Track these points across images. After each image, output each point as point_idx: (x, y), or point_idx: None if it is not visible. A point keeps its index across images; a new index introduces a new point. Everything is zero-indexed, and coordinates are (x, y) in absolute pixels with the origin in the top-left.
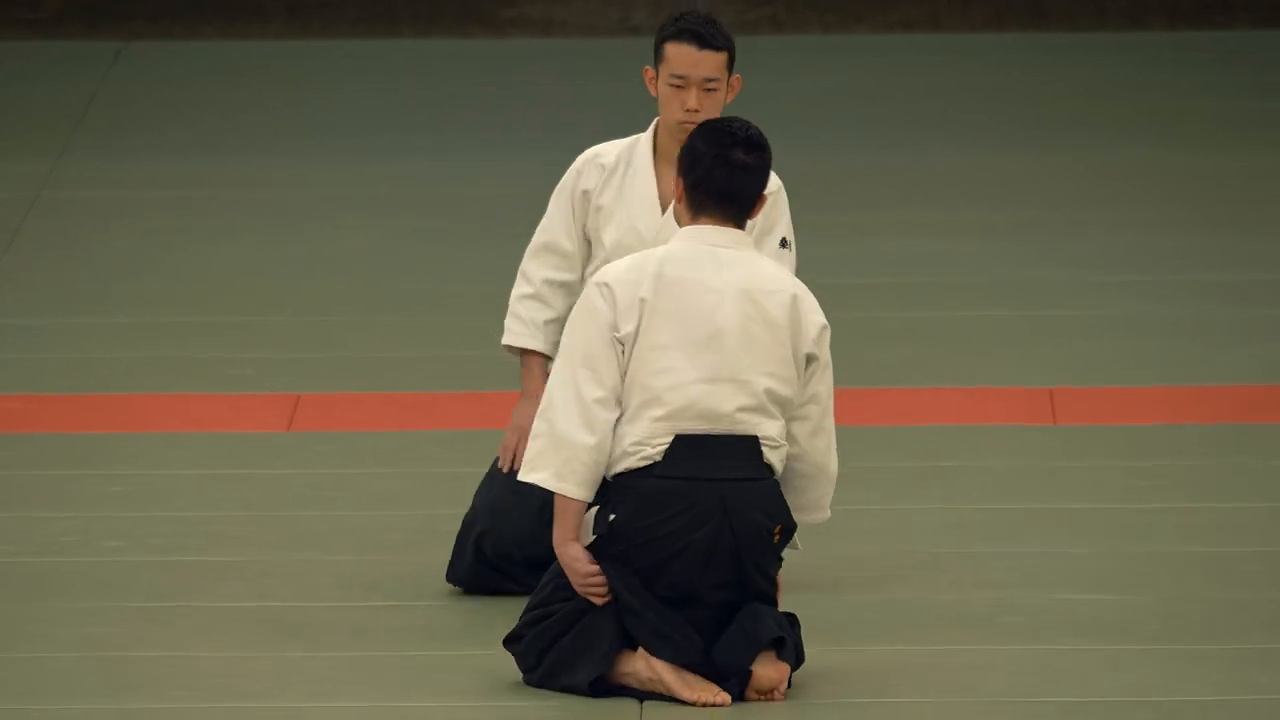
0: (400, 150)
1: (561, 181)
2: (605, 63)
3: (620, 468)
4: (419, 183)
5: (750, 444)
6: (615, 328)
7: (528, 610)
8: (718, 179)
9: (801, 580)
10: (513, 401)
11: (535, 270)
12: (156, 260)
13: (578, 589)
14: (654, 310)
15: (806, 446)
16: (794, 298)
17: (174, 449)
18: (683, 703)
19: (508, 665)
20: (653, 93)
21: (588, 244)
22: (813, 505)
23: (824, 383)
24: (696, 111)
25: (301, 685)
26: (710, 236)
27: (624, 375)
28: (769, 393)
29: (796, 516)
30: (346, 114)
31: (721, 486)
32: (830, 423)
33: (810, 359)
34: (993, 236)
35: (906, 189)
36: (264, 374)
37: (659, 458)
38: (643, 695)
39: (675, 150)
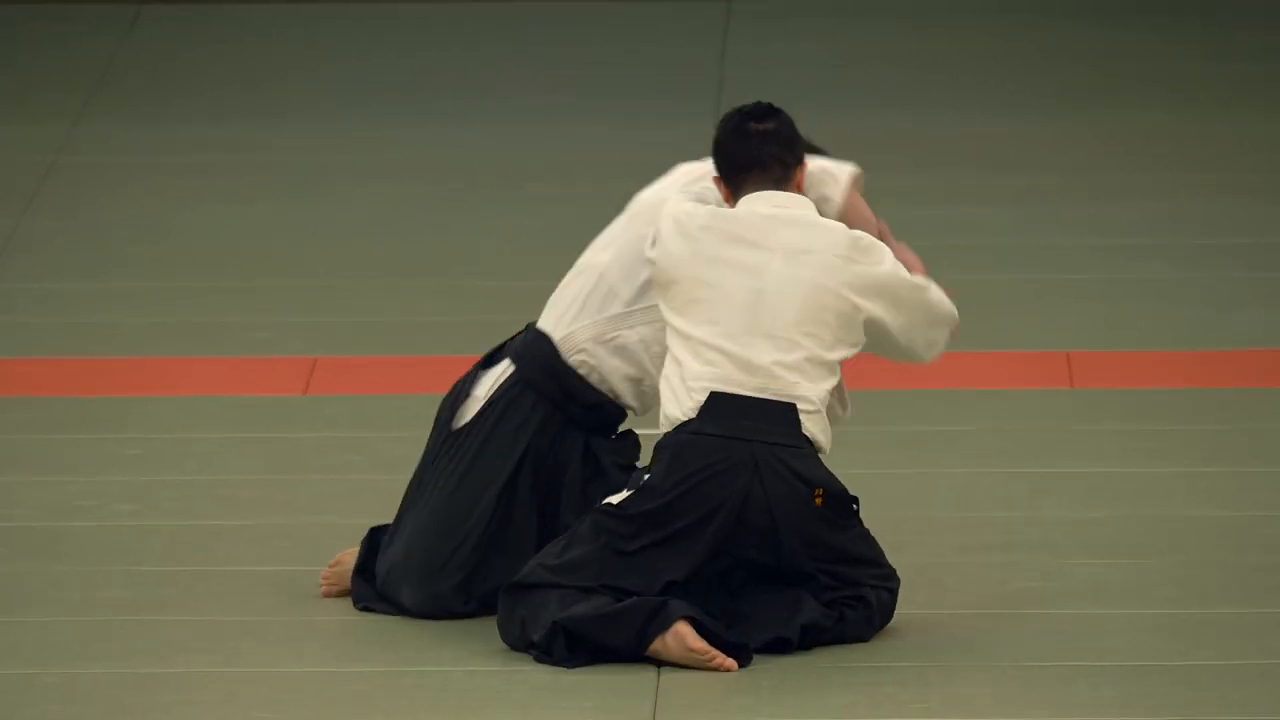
0: (416, 114)
1: None
2: (618, 26)
3: (661, 429)
4: (435, 147)
5: (787, 411)
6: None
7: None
8: (739, 153)
9: None
10: None
11: None
12: (172, 225)
13: None
14: (697, 257)
15: (931, 346)
16: (843, 256)
17: (189, 412)
18: (696, 668)
19: None
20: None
21: None
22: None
23: (906, 318)
24: None
25: (317, 649)
26: (761, 202)
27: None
28: (807, 353)
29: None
30: (362, 78)
31: (753, 447)
32: (936, 319)
33: (857, 308)
34: (1006, 201)
35: (919, 154)
36: (280, 338)
37: (694, 413)
38: (659, 662)
39: None
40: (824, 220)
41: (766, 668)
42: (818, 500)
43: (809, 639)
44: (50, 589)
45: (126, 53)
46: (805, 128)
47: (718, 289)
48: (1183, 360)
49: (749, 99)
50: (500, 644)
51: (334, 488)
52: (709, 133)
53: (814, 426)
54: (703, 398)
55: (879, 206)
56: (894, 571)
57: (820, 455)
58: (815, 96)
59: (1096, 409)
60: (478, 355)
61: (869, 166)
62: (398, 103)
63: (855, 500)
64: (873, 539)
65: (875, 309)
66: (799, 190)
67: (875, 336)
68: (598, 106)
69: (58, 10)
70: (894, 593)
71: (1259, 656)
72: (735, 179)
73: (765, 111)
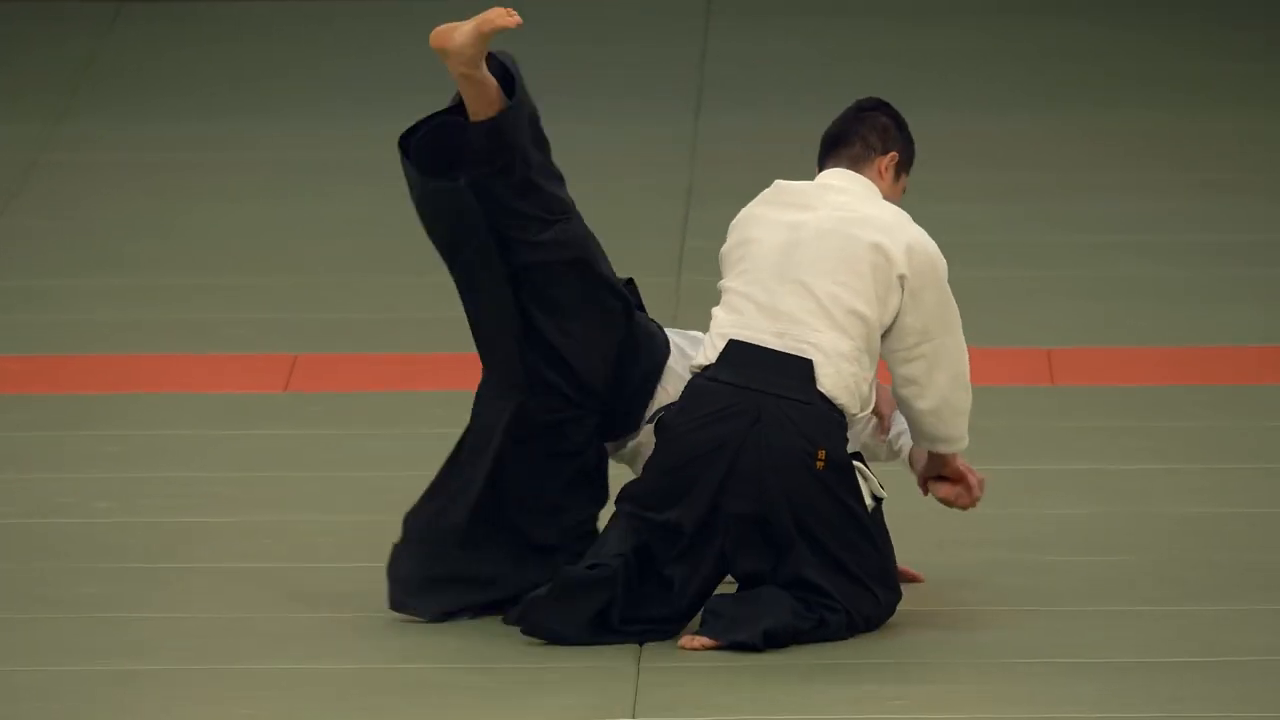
0: (399, 113)
1: None
2: (612, 20)
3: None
4: None
5: (802, 366)
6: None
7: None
8: (833, 129)
9: None
10: None
11: None
12: (154, 222)
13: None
14: (750, 220)
15: (926, 383)
16: (888, 226)
17: (171, 410)
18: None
19: (505, 628)
20: None
21: None
22: (947, 438)
23: (925, 313)
24: None
25: (298, 647)
26: (826, 175)
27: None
28: (835, 299)
29: (933, 448)
30: (345, 76)
31: (761, 398)
32: (952, 359)
33: (902, 279)
34: (990, 199)
35: None
36: (261, 335)
37: (714, 359)
38: (641, 640)
39: None
40: (884, 202)
41: (747, 665)
42: (819, 463)
43: (778, 641)
44: (31, 586)
45: (107, 51)
46: (794, 127)
47: (758, 243)
48: (1162, 357)
49: (732, 97)
50: (481, 642)
51: (314, 484)
52: (690, 131)
53: (832, 384)
54: (723, 344)
55: None
56: (897, 585)
57: (851, 418)
58: (799, 93)
59: (1082, 406)
60: (459, 353)
61: None
62: (380, 100)
63: (877, 492)
64: (886, 547)
65: (909, 272)
66: (881, 184)
67: (899, 324)
68: (592, 104)
69: (38, 8)
70: (881, 605)
71: (1242, 653)
72: (823, 159)
73: (877, 103)
